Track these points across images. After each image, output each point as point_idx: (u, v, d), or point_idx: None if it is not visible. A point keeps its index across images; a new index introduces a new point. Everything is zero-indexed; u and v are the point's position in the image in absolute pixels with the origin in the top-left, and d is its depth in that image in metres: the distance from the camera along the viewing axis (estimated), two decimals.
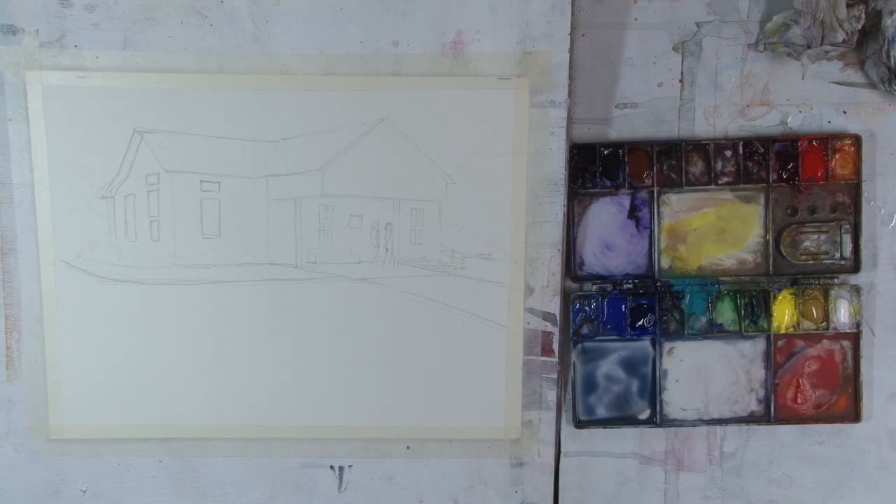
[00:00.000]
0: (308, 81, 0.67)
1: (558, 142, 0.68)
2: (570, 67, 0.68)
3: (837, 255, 0.71)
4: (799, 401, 0.72)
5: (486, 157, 0.69)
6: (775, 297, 0.72)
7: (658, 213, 0.71)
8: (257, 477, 0.72)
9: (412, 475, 0.73)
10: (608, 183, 0.71)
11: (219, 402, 0.71)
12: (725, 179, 0.71)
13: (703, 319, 0.72)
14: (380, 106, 0.68)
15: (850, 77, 0.70)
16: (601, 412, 0.73)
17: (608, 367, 0.72)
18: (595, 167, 0.71)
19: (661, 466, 0.74)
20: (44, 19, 0.66)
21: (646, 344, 0.72)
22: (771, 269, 0.71)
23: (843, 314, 0.72)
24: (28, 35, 0.66)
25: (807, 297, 0.72)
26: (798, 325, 0.72)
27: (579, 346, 0.72)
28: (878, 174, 0.71)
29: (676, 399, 0.73)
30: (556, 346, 0.71)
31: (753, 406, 0.73)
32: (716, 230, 0.71)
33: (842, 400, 0.73)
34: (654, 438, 0.74)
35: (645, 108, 0.71)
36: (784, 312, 0.72)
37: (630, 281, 0.72)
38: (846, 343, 0.72)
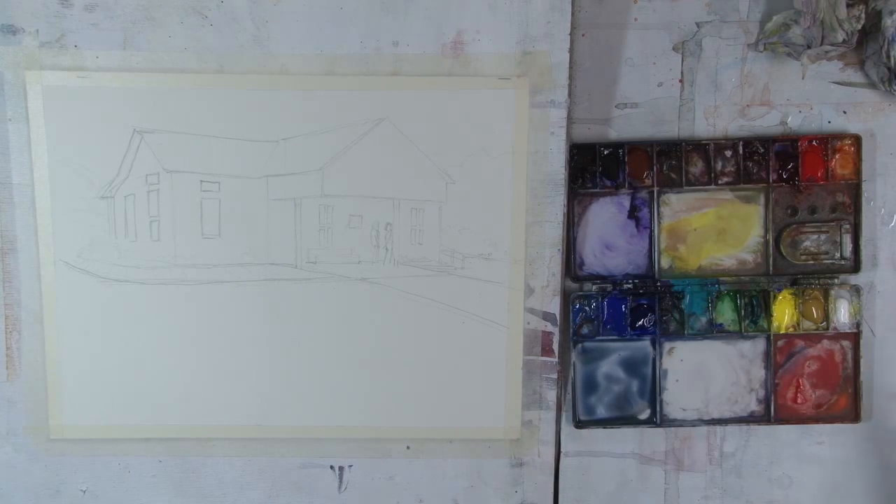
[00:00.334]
0: (308, 81, 0.67)
1: (558, 142, 0.68)
2: (570, 67, 0.68)
3: (837, 255, 0.71)
4: (799, 401, 0.72)
5: (486, 157, 0.68)
6: (775, 297, 0.72)
7: (658, 213, 0.71)
8: (257, 477, 0.72)
9: (412, 475, 0.73)
10: (608, 183, 0.71)
11: (219, 402, 0.71)
12: (725, 179, 0.71)
13: (703, 319, 0.72)
14: (380, 106, 0.68)
15: (850, 77, 0.70)
16: (601, 412, 0.73)
17: (608, 367, 0.72)
18: (595, 167, 0.71)
19: (661, 466, 0.74)
20: (44, 19, 0.66)
21: (646, 344, 0.72)
22: (771, 269, 0.71)
23: (843, 314, 0.72)
24: (28, 35, 0.66)
25: (807, 297, 0.72)
26: (798, 325, 0.72)
27: (579, 346, 0.72)
28: (878, 174, 0.71)
29: (676, 399, 0.72)
30: (556, 346, 0.71)
31: (753, 406, 0.73)
32: (716, 230, 0.71)
33: (842, 400, 0.73)
34: (654, 438, 0.74)
35: (645, 108, 0.70)
36: (784, 312, 0.72)
37: (630, 281, 0.72)
38: (846, 343, 0.72)
